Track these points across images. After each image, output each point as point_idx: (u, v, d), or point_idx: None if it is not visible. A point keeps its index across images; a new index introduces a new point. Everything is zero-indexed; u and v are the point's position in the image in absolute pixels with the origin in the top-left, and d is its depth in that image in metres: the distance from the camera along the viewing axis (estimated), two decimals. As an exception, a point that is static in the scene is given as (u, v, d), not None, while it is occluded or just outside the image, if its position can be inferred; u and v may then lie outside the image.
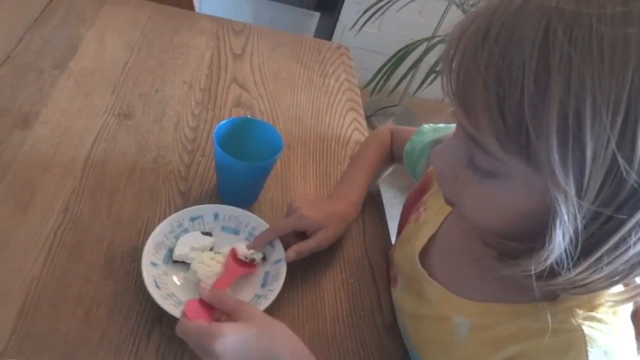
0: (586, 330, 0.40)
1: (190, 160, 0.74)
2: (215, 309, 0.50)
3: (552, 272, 0.36)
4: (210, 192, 0.71)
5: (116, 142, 0.73)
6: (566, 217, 0.33)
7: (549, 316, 0.41)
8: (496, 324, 0.45)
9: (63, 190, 0.64)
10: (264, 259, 0.61)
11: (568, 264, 0.35)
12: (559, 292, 0.41)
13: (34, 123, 0.72)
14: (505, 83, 0.32)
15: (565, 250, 0.34)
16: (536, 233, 0.36)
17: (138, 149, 0.73)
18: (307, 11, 2.11)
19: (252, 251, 0.59)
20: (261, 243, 0.61)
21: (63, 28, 0.88)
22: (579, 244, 0.34)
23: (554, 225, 0.33)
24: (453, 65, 0.36)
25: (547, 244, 0.34)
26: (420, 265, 0.55)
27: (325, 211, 0.64)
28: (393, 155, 0.77)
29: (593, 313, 0.41)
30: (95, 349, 0.51)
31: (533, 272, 0.36)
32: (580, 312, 0.41)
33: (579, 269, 0.35)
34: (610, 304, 0.41)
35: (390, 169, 0.80)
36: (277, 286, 0.57)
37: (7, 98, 0.74)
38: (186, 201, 0.68)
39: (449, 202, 0.45)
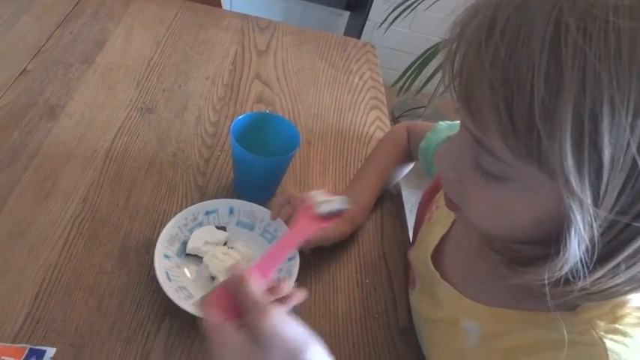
0: (608, 343, 0.37)
1: (209, 154, 0.74)
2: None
3: (567, 280, 0.34)
4: (227, 187, 0.70)
5: (137, 135, 0.74)
6: (581, 226, 0.30)
7: (568, 327, 0.38)
8: (508, 332, 0.43)
9: (83, 181, 0.65)
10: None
11: (584, 272, 0.32)
12: (573, 301, 0.37)
13: (59, 115, 0.73)
14: (513, 84, 0.29)
15: (580, 259, 0.32)
16: (549, 239, 0.34)
17: (158, 143, 0.74)
18: (337, 10, 2.09)
19: (334, 197, 0.47)
20: (278, 208, 0.60)
21: (92, 24, 0.91)
22: (595, 253, 0.31)
23: (569, 234, 0.31)
24: (456, 62, 0.33)
25: (562, 254, 0.32)
26: (432, 266, 0.53)
27: None
28: (410, 153, 0.75)
29: (615, 325, 0.38)
30: (105, 338, 0.51)
31: (546, 281, 0.34)
32: (601, 324, 0.38)
33: (595, 277, 0.33)
34: (635, 319, 0.37)
35: (410, 167, 0.78)
36: (289, 283, 0.56)
37: (35, 91, 0.76)
38: (203, 195, 0.68)
39: (451, 206, 0.42)
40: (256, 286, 0.38)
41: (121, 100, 0.79)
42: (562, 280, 0.33)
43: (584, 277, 0.32)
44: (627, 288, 0.34)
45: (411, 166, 0.78)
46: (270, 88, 0.89)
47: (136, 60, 0.86)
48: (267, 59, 0.95)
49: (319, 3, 2.02)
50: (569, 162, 0.28)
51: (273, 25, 1.04)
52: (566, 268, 0.32)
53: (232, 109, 0.83)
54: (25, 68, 0.79)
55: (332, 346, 0.56)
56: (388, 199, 0.75)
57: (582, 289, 0.34)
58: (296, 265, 0.58)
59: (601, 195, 0.29)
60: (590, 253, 0.31)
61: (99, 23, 0.91)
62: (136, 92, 0.80)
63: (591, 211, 0.30)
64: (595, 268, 0.32)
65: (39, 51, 0.82)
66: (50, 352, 0.48)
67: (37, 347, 0.48)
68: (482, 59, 0.31)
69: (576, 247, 0.31)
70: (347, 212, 0.65)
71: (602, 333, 0.37)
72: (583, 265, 0.32)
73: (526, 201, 0.34)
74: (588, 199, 0.29)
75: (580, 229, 0.30)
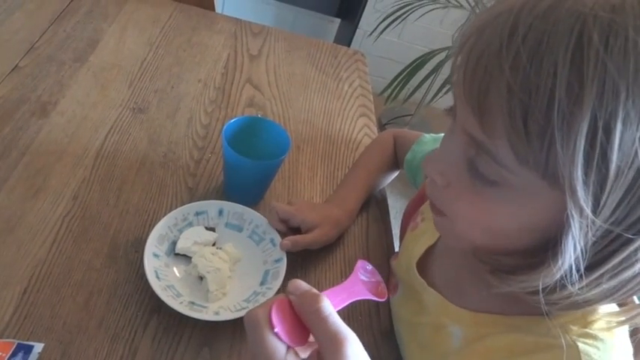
0: (581, 346, 0.39)
1: (200, 156, 0.75)
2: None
3: (552, 288, 0.35)
4: (217, 189, 0.72)
5: (129, 135, 0.75)
6: (577, 234, 0.31)
7: (544, 330, 0.41)
8: (488, 334, 0.45)
9: (74, 179, 0.66)
10: None
11: (572, 280, 0.33)
12: (548, 309, 0.38)
13: (51, 112, 0.74)
14: (532, 89, 0.29)
15: (570, 267, 0.33)
16: (532, 249, 0.35)
17: (149, 143, 0.74)
18: (328, 17, 2.12)
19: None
20: (275, 224, 0.63)
21: (85, 22, 0.91)
22: (585, 261, 0.33)
23: (566, 241, 0.32)
24: (469, 63, 0.33)
25: (558, 261, 0.33)
26: (417, 275, 0.55)
27: (321, 213, 0.65)
28: (397, 160, 0.77)
29: (587, 330, 0.40)
30: (92, 335, 0.52)
31: (540, 287, 0.34)
32: (574, 328, 0.40)
33: (580, 285, 0.34)
34: (604, 324, 0.40)
35: (396, 173, 0.80)
36: (276, 284, 0.58)
37: (27, 87, 0.76)
38: (193, 196, 0.69)
39: (436, 212, 0.42)
40: (333, 311, 0.34)
41: (114, 99, 0.79)
42: (547, 288, 0.34)
43: (572, 284, 0.33)
44: (601, 300, 0.35)
45: (396, 172, 0.80)
46: (261, 92, 0.90)
47: (129, 60, 0.87)
48: (259, 64, 0.96)
49: (311, 9, 2.05)
50: (579, 171, 0.29)
51: (266, 31, 1.06)
52: (557, 276, 0.33)
53: (223, 112, 0.84)
54: (17, 64, 0.79)
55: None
56: (374, 204, 0.77)
57: (564, 297, 0.35)
58: (283, 267, 0.59)
59: (601, 205, 0.30)
60: (579, 261, 0.32)
61: (92, 22, 0.92)
62: (129, 92, 0.81)
63: (589, 219, 0.31)
64: (582, 277, 0.33)
65: (32, 47, 0.82)
66: (38, 347, 0.49)
67: (25, 342, 0.49)
68: (501, 62, 0.31)
69: (571, 255, 0.32)
70: (334, 217, 0.67)
71: (574, 337, 0.39)
72: (571, 273, 0.33)
73: (518, 208, 0.35)
74: (589, 209, 0.30)
75: (576, 236, 0.31)
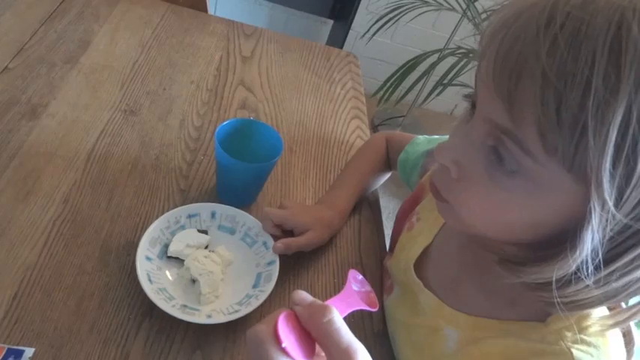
0: (575, 353, 0.39)
1: (192, 158, 0.75)
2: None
3: (566, 282, 0.34)
4: (209, 191, 0.71)
5: (121, 137, 0.74)
6: (596, 227, 0.31)
7: (539, 336, 0.41)
8: (484, 338, 0.45)
9: (65, 182, 0.65)
10: None
11: (586, 275, 0.33)
12: (550, 309, 0.39)
13: (42, 114, 0.73)
14: (568, 77, 0.29)
15: (585, 260, 0.33)
16: (548, 241, 0.35)
17: (141, 145, 0.74)
18: (321, 19, 2.12)
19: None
20: (270, 229, 0.62)
21: (77, 23, 0.90)
22: (600, 256, 0.32)
23: (585, 234, 0.32)
24: (500, 48, 0.33)
25: (575, 252, 0.32)
26: (415, 276, 0.55)
27: (313, 215, 0.65)
28: (389, 162, 0.77)
29: (582, 336, 0.40)
30: (84, 338, 0.52)
31: (554, 279, 0.34)
32: (569, 334, 0.40)
33: (594, 279, 0.33)
34: (598, 327, 0.40)
35: (388, 176, 0.81)
36: (269, 287, 0.58)
37: (17, 89, 0.75)
38: (186, 199, 0.69)
39: (440, 200, 0.41)
40: (344, 323, 0.33)
41: (105, 101, 0.79)
42: (561, 281, 0.34)
43: (587, 277, 0.33)
44: (602, 301, 0.35)
45: (388, 174, 0.81)
46: (253, 94, 0.90)
47: (120, 62, 0.86)
48: (251, 66, 0.96)
49: (304, 11, 2.05)
50: (607, 163, 0.29)
51: (259, 32, 1.05)
52: (572, 267, 0.33)
53: (216, 114, 0.84)
54: (7, 66, 0.78)
55: (309, 348, 0.58)
56: (366, 205, 0.77)
57: (573, 294, 0.35)
58: (276, 269, 0.59)
59: (624, 199, 0.30)
60: (595, 255, 0.32)
61: (84, 23, 0.91)
62: (120, 94, 0.81)
63: (610, 213, 0.30)
64: (597, 271, 0.33)
65: (22, 49, 0.82)
66: (29, 352, 0.49)
67: (16, 347, 0.48)
68: (537, 48, 0.30)
69: (588, 248, 0.32)
70: (326, 218, 0.67)
71: (569, 343, 0.39)
72: (587, 267, 0.33)
73: (534, 201, 0.34)
74: (611, 202, 0.30)
75: (595, 229, 0.31)
